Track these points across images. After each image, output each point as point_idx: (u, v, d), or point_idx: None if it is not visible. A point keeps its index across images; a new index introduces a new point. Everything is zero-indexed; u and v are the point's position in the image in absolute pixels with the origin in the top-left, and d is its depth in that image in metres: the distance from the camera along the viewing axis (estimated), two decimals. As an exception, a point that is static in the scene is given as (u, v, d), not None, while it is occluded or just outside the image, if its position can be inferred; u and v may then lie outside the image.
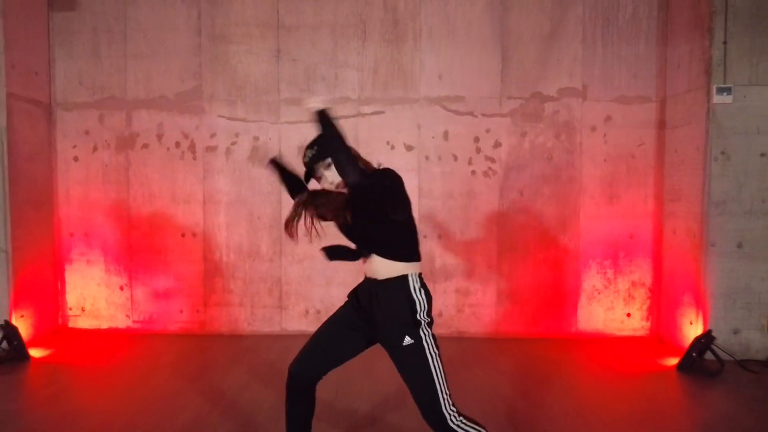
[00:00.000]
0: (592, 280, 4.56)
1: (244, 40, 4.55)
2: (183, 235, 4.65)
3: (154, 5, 4.59)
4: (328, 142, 2.06)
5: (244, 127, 4.59)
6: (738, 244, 3.92)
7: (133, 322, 4.71)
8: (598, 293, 4.56)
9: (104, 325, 4.74)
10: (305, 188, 2.24)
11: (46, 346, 4.32)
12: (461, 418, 2.02)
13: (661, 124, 4.48)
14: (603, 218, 4.53)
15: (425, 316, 2.05)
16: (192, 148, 4.62)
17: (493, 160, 4.52)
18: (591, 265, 4.55)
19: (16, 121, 4.25)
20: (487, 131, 4.50)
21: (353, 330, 2.19)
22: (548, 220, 4.54)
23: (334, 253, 2.18)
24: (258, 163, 4.56)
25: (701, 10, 3.96)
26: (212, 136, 4.61)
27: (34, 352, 4.13)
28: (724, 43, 3.84)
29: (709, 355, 3.83)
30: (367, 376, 3.56)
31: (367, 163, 2.19)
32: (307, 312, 4.65)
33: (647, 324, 4.58)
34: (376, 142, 4.54)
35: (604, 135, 4.51)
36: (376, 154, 4.48)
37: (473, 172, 4.53)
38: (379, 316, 2.08)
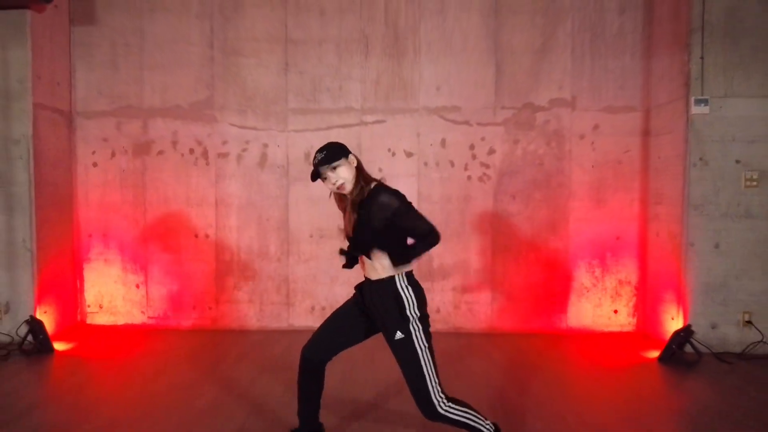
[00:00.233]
0: (581, 279, 4.83)
1: (254, 53, 4.84)
2: (196, 236, 4.93)
3: (170, 20, 4.88)
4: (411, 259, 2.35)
5: (253, 135, 4.88)
6: (715, 245, 4.20)
7: (148, 318, 4.98)
8: (587, 291, 4.84)
9: (120, 321, 5.01)
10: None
11: (67, 340, 4.58)
12: (450, 404, 2.29)
13: (646, 133, 4.76)
14: (591, 221, 4.81)
15: (415, 312, 2.31)
16: (205, 154, 4.90)
17: (487, 166, 4.80)
18: (580, 264, 4.82)
19: (41, 128, 4.53)
20: (482, 139, 4.78)
21: (358, 320, 2.49)
22: (540, 223, 4.82)
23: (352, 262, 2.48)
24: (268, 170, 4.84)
25: (680, 27, 4.25)
26: (224, 143, 4.89)
27: (57, 346, 4.39)
28: (701, 58, 4.13)
29: (689, 348, 4.11)
30: (370, 367, 3.83)
31: (368, 177, 2.45)
32: (312, 309, 4.92)
33: (633, 320, 4.85)
34: (378, 149, 4.82)
35: (592, 143, 4.79)
36: (378, 160, 4.77)
37: (469, 178, 4.82)
38: (375, 313, 2.38)
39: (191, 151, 4.91)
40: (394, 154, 4.82)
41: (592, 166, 4.79)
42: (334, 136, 4.79)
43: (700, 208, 4.20)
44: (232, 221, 4.92)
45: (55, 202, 4.73)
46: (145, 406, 3.25)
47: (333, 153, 2.38)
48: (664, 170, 4.53)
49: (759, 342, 4.14)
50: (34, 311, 4.43)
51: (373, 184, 2.40)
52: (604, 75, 4.78)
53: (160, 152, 4.93)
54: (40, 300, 4.50)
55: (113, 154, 4.96)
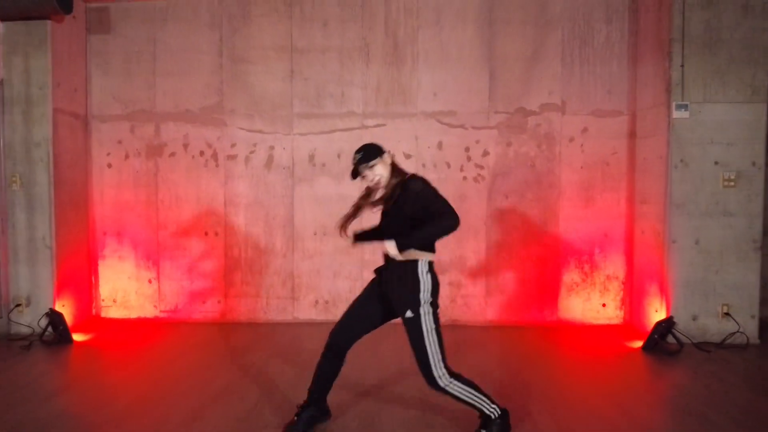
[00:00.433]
0: (570, 274, 5.10)
1: (261, 61, 5.12)
2: (206, 234, 5.19)
3: (181, 29, 5.15)
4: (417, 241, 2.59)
5: (260, 138, 5.15)
6: (696, 241, 4.46)
7: (161, 311, 5.24)
8: (576, 286, 5.10)
9: (133, 315, 5.27)
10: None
11: (84, 332, 4.85)
12: (452, 380, 2.58)
13: (632, 135, 5.03)
14: (580, 219, 5.07)
15: (428, 297, 2.61)
16: (214, 156, 5.17)
17: (482, 168, 5.07)
18: (570, 260, 5.09)
19: (59, 132, 4.80)
20: (477, 142, 5.05)
21: (377, 303, 2.77)
22: (531, 221, 5.09)
23: (362, 237, 2.80)
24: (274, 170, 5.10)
25: (662, 37, 4.52)
26: (233, 146, 5.16)
27: (76, 337, 4.64)
28: (682, 66, 4.40)
29: (672, 339, 4.36)
30: (374, 356, 4.09)
31: (402, 171, 2.73)
32: (316, 302, 5.18)
33: (620, 313, 5.11)
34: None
35: (581, 145, 5.06)
36: (379, 161, 5.04)
37: (464, 178, 5.08)
38: (392, 291, 2.65)
39: (201, 153, 5.18)
40: (393, 156, 5.08)
41: (581, 167, 5.06)
42: (337, 139, 5.09)
43: (681, 207, 4.46)
44: (240, 219, 5.18)
45: (72, 201, 5.00)
46: (163, 389, 3.51)
47: (369, 153, 2.68)
48: (648, 171, 4.80)
49: (736, 332, 4.40)
50: (53, 304, 4.70)
51: (407, 176, 2.69)
52: (592, 81, 5.04)
53: (172, 154, 5.20)
54: (58, 294, 4.76)
55: (127, 156, 5.23)
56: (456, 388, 2.60)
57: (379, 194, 2.74)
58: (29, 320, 4.68)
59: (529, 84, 5.04)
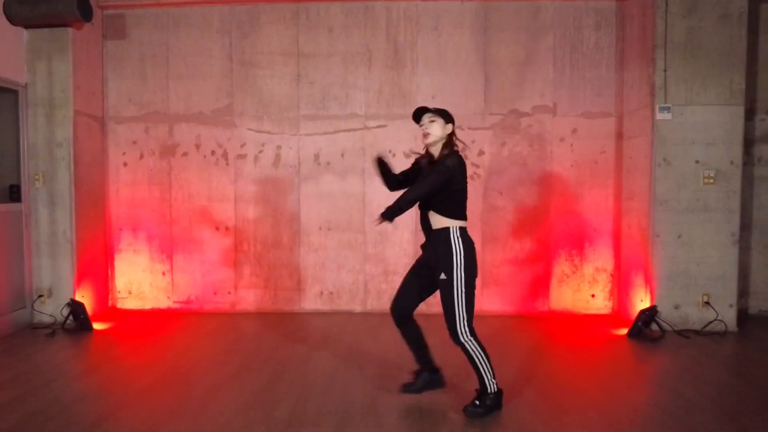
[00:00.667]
0: (561, 267, 5.39)
1: (269, 65, 5.41)
2: (217, 229, 5.49)
3: (193, 35, 5.44)
4: (397, 212, 2.93)
5: (269, 138, 5.44)
6: (678, 235, 4.75)
7: (174, 302, 5.54)
8: (567, 277, 5.40)
9: (148, 306, 5.57)
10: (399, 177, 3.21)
11: (102, 321, 5.14)
12: (471, 338, 2.92)
13: (620, 136, 5.31)
14: (570, 214, 5.36)
15: (461, 260, 2.91)
16: (225, 155, 5.46)
17: (477, 166, 5.36)
18: (560, 253, 5.38)
19: (79, 133, 5.09)
20: (473, 141, 5.34)
21: (425, 272, 3.10)
22: (524, 216, 5.38)
23: (382, 164, 3.16)
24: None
25: (647, 43, 4.81)
26: (242, 146, 5.46)
27: (95, 326, 4.94)
28: (665, 70, 4.68)
29: (656, 327, 4.66)
30: (377, 344, 4.39)
31: (453, 146, 3.01)
32: (321, 293, 5.48)
33: (609, 303, 5.41)
34: (379, 150, 5.36)
35: (571, 145, 5.35)
36: (380, 160, 5.33)
37: (461, 176, 5.37)
38: (432, 258, 2.99)
39: (213, 152, 5.47)
40: (394, 155, 5.37)
41: (571, 166, 5.35)
42: (341, 140, 5.38)
43: (664, 204, 4.75)
44: (249, 215, 5.47)
45: (90, 198, 5.29)
46: (181, 371, 3.80)
47: (439, 111, 3.02)
48: (634, 169, 5.08)
49: (715, 320, 4.69)
50: (74, 295, 4.99)
51: (451, 152, 2.98)
52: (582, 84, 5.33)
53: (185, 154, 5.49)
54: (78, 285, 5.05)
55: (142, 156, 5.52)
56: (472, 346, 2.93)
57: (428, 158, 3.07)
58: (51, 310, 4.97)
59: (522, 87, 5.33)
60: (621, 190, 5.30)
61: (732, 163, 4.69)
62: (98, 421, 2.95)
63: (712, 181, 4.70)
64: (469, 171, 5.34)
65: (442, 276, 2.92)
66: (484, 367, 2.95)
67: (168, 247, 5.52)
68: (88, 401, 3.24)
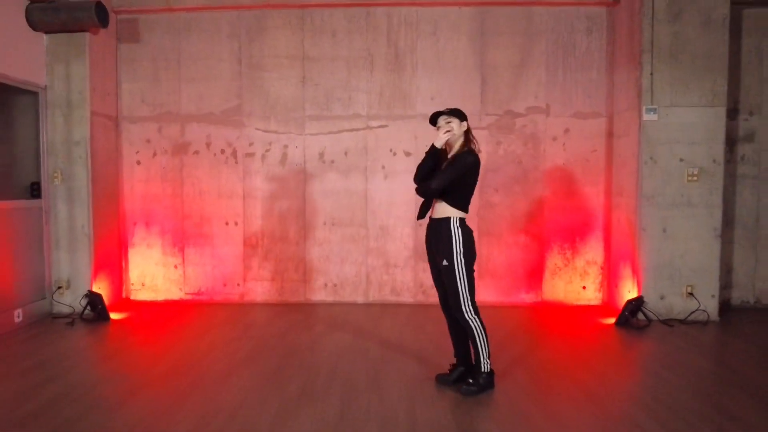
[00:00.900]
0: (554, 260, 5.66)
1: (276, 68, 5.67)
2: (226, 224, 5.76)
3: (203, 39, 5.70)
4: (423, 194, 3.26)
5: (275, 137, 5.71)
6: (663, 229, 5.01)
7: (185, 294, 5.81)
8: (559, 270, 5.67)
9: (160, 297, 5.84)
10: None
11: (118, 311, 5.41)
12: (475, 316, 3.21)
13: (610, 135, 5.58)
14: (563, 210, 5.63)
15: (460, 248, 3.18)
16: (234, 154, 5.73)
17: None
18: (553, 247, 5.65)
19: (95, 132, 5.35)
20: (470, 141, 5.60)
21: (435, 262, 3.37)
22: (518, 212, 5.65)
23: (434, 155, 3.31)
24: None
25: (634, 48, 5.07)
26: (250, 144, 5.72)
27: (112, 315, 5.21)
28: (651, 74, 4.94)
29: (641, 316, 4.93)
30: (378, 332, 4.66)
31: (470, 143, 3.24)
32: (325, 285, 5.75)
33: (599, 295, 5.68)
34: (381, 149, 5.65)
35: (564, 144, 5.62)
36: (382, 159, 5.61)
37: (459, 174, 5.64)
38: (434, 244, 3.27)
39: (222, 151, 5.74)
40: (395, 154, 5.64)
41: (564, 164, 5.62)
42: (344, 139, 5.65)
43: (650, 199, 5.02)
44: (257, 211, 5.75)
45: (106, 194, 5.56)
46: (196, 357, 4.06)
47: (455, 111, 3.27)
48: (623, 167, 5.35)
49: (697, 310, 4.97)
50: (91, 287, 5.26)
51: (468, 149, 3.21)
52: (574, 86, 5.59)
53: (196, 152, 5.76)
54: (94, 277, 5.32)
55: (155, 154, 5.78)
56: (475, 324, 3.22)
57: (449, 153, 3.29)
58: (69, 301, 5.24)
59: (517, 89, 5.59)
60: (611, 187, 5.56)
61: (714, 161, 4.95)
62: (122, 400, 3.21)
63: (695, 178, 4.96)
64: (467, 169, 5.64)
65: (444, 262, 3.20)
66: (483, 346, 3.23)
67: (180, 241, 5.79)
68: (111, 383, 3.50)
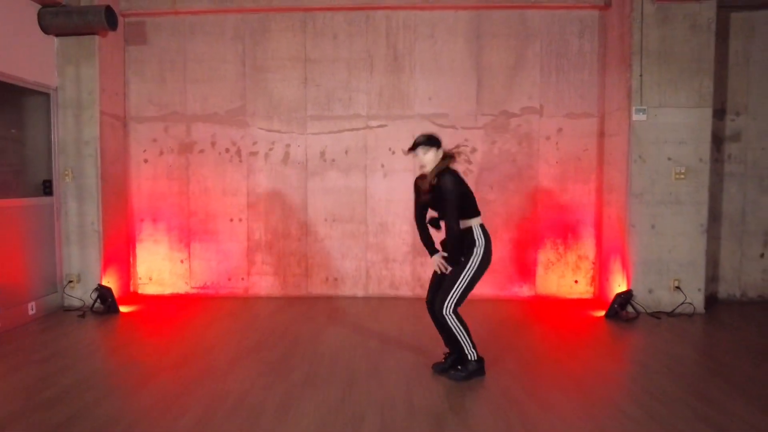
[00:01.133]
0: (547, 255, 5.87)
1: (279, 70, 5.86)
2: (231, 220, 5.96)
3: (208, 41, 5.88)
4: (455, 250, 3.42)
5: (278, 137, 5.90)
6: (652, 226, 5.21)
7: (191, 288, 6.02)
8: (552, 265, 5.87)
9: (167, 291, 6.04)
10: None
11: (127, 304, 5.61)
12: (453, 315, 3.39)
13: (601, 134, 5.77)
14: (556, 207, 5.83)
15: (480, 252, 3.41)
16: (238, 153, 5.93)
17: (470, 162, 5.82)
18: (546, 242, 5.85)
19: (104, 132, 5.54)
20: (466, 140, 5.79)
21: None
22: (513, 208, 5.85)
23: (435, 222, 3.55)
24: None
25: (624, 50, 5.26)
26: (254, 143, 5.92)
27: (122, 308, 5.41)
28: (641, 75, 5.13)
29: (630, 309, 5.13)
30: (377, 323, 4.85)
31: (446, 164, 3.43)
32: (326, 279, 5.96)
33: (591, 289, 5.89)
34: (380, 148, 5.84)
35: (557, 143, 5.81)
36: (381, 158, 5.80)
37: (456, 172, 5.83)
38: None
39: (227, 150, 5.93)
40: (393, 153, 5.84)
41: (557, 162, 5.81)
42: (345, 138, 5.84)
43: (640, 197, 5.21)
44: (260, 208, 5.94)
45: (114, 191, 5.75)
46: (204, 346, 4.27)
47: (430, 141, 3.43)
48: (614, 165, 5.54)
49: (684, 303, 5.17)
50: (100, 281, 5.46)
51: (444, 169, 3.38)
52: (566, 87, 5.78)
53: (201, 151, 5.95)
54: (104, 272, 5.52)
55: (161, 153, 5.97)
56: (452, 321, 3.42)
57: (427, 178, 3.48)
58: (80, 294, 5.44)
59: (512, 90, 5.78)
60: (602, 184, 5.74)
61: (701, 160, 5.15)
62: (137, 387, 3.42)
63: (682, 176, 5.16)
64: (463, 167, 5.82)
65: (462, 259, 3.40)
66: (463, 338, 3.44)
67: (186, 236, 5.99)
68: (125, 371, 3.70)
